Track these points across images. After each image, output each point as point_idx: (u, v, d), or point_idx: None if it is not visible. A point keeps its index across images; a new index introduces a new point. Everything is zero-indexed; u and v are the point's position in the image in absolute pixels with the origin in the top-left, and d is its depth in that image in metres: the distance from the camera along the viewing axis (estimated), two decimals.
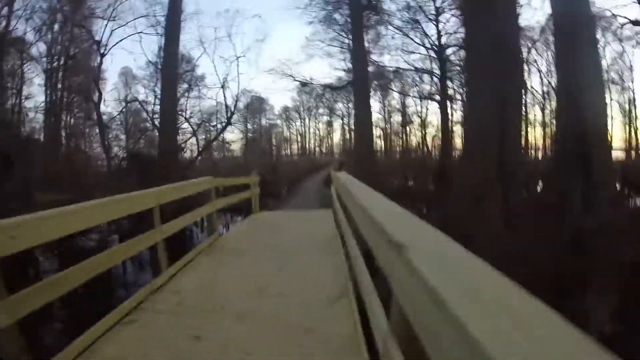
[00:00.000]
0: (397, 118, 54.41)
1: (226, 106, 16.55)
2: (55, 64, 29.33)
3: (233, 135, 56.48)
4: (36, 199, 14.82)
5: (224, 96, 17.15)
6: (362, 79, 15.59)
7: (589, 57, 8.75)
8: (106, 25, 27.28)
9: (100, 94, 32.90)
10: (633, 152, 34.54)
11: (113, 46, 24.59)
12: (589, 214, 7.48)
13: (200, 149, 18.60)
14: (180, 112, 19.22)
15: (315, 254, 5.51)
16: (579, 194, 7.97)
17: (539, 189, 15.05)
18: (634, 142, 35.61)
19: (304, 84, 21.27)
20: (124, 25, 23.63)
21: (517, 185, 8.14)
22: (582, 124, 8.38)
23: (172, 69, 16.22)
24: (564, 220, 7.48)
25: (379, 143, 57.53)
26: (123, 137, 34.85)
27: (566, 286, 5.90)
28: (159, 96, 17.24)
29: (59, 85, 30.48)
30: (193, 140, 43.14)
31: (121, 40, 25.44)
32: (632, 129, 35.74)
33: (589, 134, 8.36)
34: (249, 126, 58.30)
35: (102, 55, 30.72)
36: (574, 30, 8.64)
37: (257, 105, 58.06)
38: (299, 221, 8.30)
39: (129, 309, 3.59)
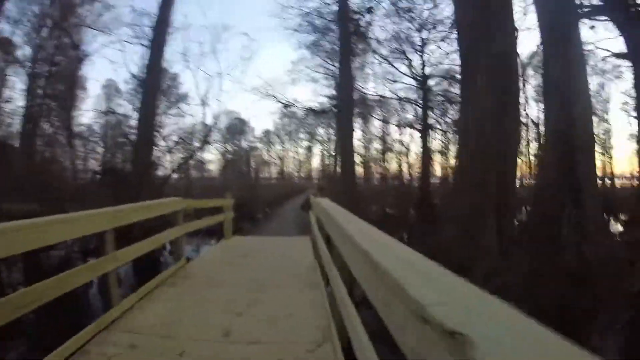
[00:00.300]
0: (376, 145, 54.85)
1: (205, 125, 15.86)
2: (37, 69, 28.70)
3: (212, 156, 55.71)
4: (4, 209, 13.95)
5: (204, 114, 16.28)
6: (347, 106, 15.28)
7: (581, 86, 8.56)
8: (93, 35, 26.52)
9: (73, 102, 32.11)
10: (608, 180, 35.27)
11: (93, 54, 23.51)
12: (586, 243, 7.08)
13: (174, 168, 17.63)
14: (158, 129, 18.44)
15: (293, 288, 4.90)
16: (571, 222, 7.61)
17: (522, 217, 14.85)
18: (608, 170, 36.47)
19: (286, 106, 20.71)
20: (108, 34, 22.76)
21: (511, 215, 7.71)
22: (572, 154, 8.11)
23: (154, 82, 15.59)
24: (560, 251, 7.05)
25: (359, 170, 57.68)
26: (101, 150, 33.88)
27: (572, 321, 5.42)
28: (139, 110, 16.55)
29: (39, 92, 29.79)
30: (171, 158, 42.34)
31: (103, 47, 24.49)
32: (607, 158, 36.66)
33: (578, 164, 8.07)
34: (229, 147, 57.75)
35: (80, 60, 29.94)
36: (563, 62, 8.46)
37: (238, 127, 57.59)
38: (274, 248, 7.65)
39: (69, 354, 2.93)
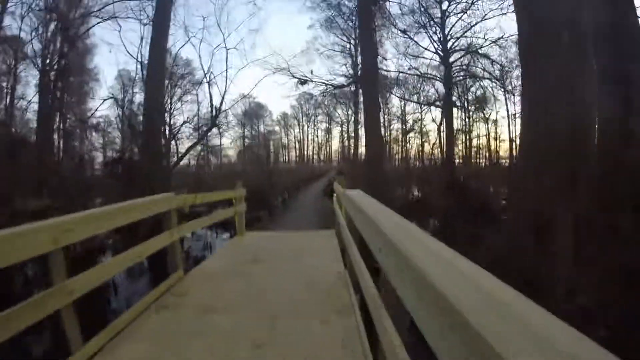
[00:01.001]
0: (395, 126, 53.10)
1: (211, 105, 14.42)
2: (48, 63, 28.35)
3: (229, 141, 54.89)
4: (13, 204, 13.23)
5: (209, 93, 14.75)
6: (371, 77, 13.52)
7: None
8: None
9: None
10: None
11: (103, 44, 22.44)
12: None
13: (181, 154, 16.37)
14: (166, 114, 17.19)
15: (315, 315, 3.64)
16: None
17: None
18: None
19: (302, 82, 18.86)
20: (108, 19, 21.54)
21: (587, 209, 6.17)
22: None
23: (159, 63, 14.35)
24: None
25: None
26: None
27: None
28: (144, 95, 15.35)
29: (51, 86, 29.53)
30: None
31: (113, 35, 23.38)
32: None
33: None
34: (246, 132, 56.80)
35: (88, 52, 29.30)
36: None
37: (255, 111, 56.51)
38: (292, 250, 6.29)
39: None
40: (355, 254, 3.66)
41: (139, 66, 18.86)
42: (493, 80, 33.42)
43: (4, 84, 27.96)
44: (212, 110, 14.18)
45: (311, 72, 21.42)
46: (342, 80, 27.76)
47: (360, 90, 40.71)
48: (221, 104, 14.01)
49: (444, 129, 29.55)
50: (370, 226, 2.42)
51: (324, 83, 20.38)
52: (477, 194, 13.92)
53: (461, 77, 30.11)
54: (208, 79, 14.51)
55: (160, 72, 14.19)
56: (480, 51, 28.96)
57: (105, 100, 29.21)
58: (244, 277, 4.86)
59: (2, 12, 23.59)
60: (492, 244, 7.06)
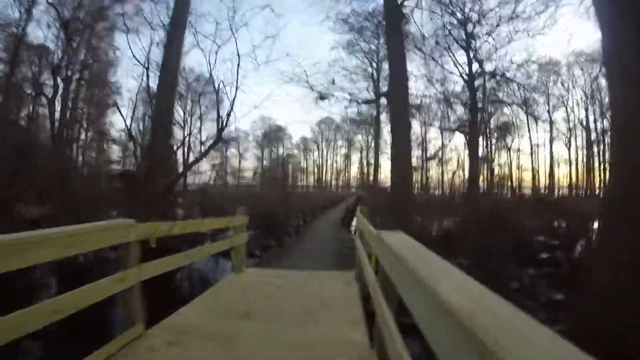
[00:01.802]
0: (416, 152, 51.59)
1: (218, 116, 12.92)
2: (70, 73, 28.22)
3: (249, 163, 54.12)
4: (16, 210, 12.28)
5: (217, 103, 13.26)
6: (400, 92, 11.80)
7: None
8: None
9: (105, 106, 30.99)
10: None
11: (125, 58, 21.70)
12: None
13: (182, 170, 14.83)
14: (174, 126, 15.90)
15: None
16: None
17: None
18: None
19: (323, 97, 17.31)
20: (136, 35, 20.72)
21: None
22: None
23: (170, 74, 13.16)
24: None
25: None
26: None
27: None
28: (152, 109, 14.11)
29: (72, 95, 29.41)
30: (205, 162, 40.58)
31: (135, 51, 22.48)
32: None
33: None
34: (265, 154, 55.96)
35: (111, 64, 28.81)
36: None
37: (274, 134, 55.75)
38: (300, 302, 4.62)
39: None
40: (393, 333, 2.17)
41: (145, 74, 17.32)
42: (519, 105, 31.93)
43: (28, 91, 27.81)
44: (218, 123, 12.70)
45: (332, 82, 19.96)
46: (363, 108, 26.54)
47: (383, 114, 39.64)
48: (229, 115, 12.55)
49: (467, 157, 27.96)
50: (431, 307, 1.24)
51: (346, 98, 18.78)
52: (513, 229, 12.14)
53: (488, 102, 28.53)
54: (216, 88, 13.15)
55: (170, 84, 13.04)
56: (506, 75, 27.72)
57: (111, 106, 28.28)
58: (225, 344, 3.34)
59: (27, 19, 23.32)
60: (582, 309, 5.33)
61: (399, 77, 11.43)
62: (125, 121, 21.90)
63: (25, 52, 25.19)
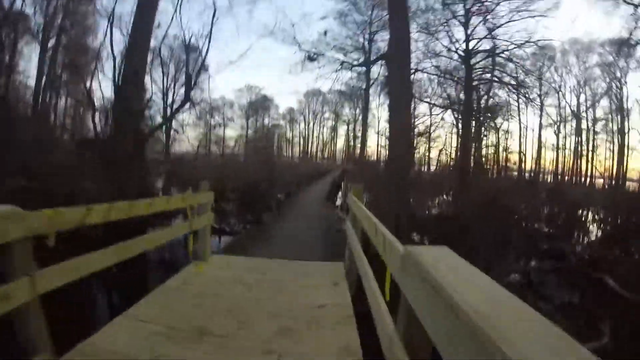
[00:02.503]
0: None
1: (187, 75, 11.14)
2: (47, 39, 26.26)
3: (234, 132, 52.38)
4: None
5: (186, 59, 11.49)
6: (402, 54, 10.02)
7: None
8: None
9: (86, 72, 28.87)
10: None
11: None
12: None
13: (148, 132, 12.88)
14: (146, 89, 14.10)
15: None
16: None
17: None
18: None
19: (312, 58, 15.12)
20: None
21: None
22: None
23: (142, 25, 11.45)
24: None
25: (383, 153, 53.59)
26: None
27: None
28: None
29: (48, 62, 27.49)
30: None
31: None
32: None
33: None
34: (251, 124, 54.18)
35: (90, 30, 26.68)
36: None
37: (261, 103, 53.90)
38: (274, 311, 3.41)
39: None
40: None
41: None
42: (514, 87, 30.79)
43: (5, 58, 25.81)
44: (186, 82, 11.02)
45: (324, 34, 17.71)
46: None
47: (372, 87, 38.06)
48: (198, 73, 10.87)
49: (456, 135, 26.87)
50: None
51: (338, 60, 16.51)
52: (510, 216, 11.12)
53: (483, 81, 27.18)
54: (186, 42, 11.40)
55: (140, 41, 11.36)
56: (504, 55, 26.45)
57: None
58: None
59: None
60: None
61: (401, 37, 9.92)
62: (87, 84, 19.75)
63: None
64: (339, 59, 14.90)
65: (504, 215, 11.16)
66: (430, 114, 40.97)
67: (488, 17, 24.60)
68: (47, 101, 28.58)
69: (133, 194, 9.72)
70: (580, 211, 15.02)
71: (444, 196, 19.58)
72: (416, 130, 44.15)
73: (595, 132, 39.35)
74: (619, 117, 37.31)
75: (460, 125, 29.26)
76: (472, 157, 27.65)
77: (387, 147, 10.66)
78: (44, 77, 26.94)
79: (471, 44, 25.48)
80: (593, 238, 12.21)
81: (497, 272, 7.56)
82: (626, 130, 36.52)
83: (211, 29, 11.17)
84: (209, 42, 10.37)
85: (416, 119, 46.04)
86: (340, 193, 21.21)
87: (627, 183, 30.29)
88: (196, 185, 5.19)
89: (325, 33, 20.43)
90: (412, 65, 30.59)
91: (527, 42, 26.09)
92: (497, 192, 13.13)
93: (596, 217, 14.34)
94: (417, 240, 9.53)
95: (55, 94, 31.69)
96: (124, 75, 11.12)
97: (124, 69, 11.22)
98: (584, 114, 40.30)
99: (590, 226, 13.38)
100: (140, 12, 11.63)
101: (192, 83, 10.32)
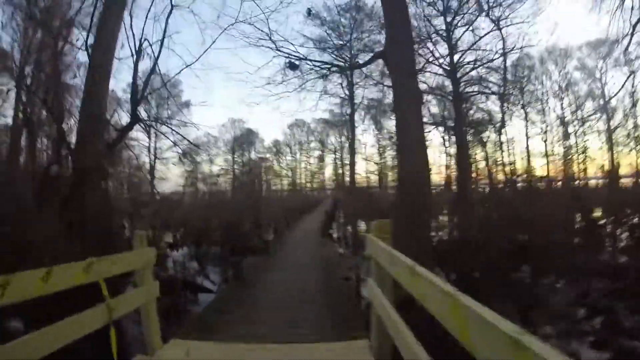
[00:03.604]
0: (390, 152, 49.14)
1: (134, 85, 9.03)
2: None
3: (218, 168, 50.56)
4: None
5: (135, 72, 9.24)
6: (405, 47, 7.97)
7: None
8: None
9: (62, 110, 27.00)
10: None
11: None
12: None
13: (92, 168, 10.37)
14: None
15: None
16: None
17: None
18: None
19: (293, 65, 12.69)
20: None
21: None
22: None
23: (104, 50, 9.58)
24: None
25: (373, 178, 52.13)
26: None
27: None
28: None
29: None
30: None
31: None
32: None
33: None
34: (237, 159, 52.48)
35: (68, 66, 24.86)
36: None
37: (246, 137, 52.37)
38: None
39: None
40: None
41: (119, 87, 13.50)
42: (501, 96, 29.85)
43: None
44: (132, 97, 8.91)
45: (308, 13, 14.68)
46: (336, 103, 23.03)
47: (357, 113, 36.77)
48: (146, 84, 8.84)
49: (446, 153, 25.40)
50: None
51: (324, 63, 13.48)
52: (536, 231, 9.33)
53: (472, 94, 26.00)
54: (136, 48, 9.33)
55: (108, 49, 9.44)
56: (489, 65, 25.56)
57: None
58: None
59: None
60: None
61: (401, 30, 8.12)
62: (62, 122, 17.53)
63: None
64: (323, 65, 12.44)
65: (526, 230, 9.43)
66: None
67: (471, 28, 23.76)
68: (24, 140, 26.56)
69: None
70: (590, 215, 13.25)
71: (446, 216, 17.75)
72: None
73: (584, 133, 38.80)
74: (605, 115, 37.00)
75: (449, 141, 27.98)
76: (469, 172, 26.25)
77: (395, 164, 8.51)
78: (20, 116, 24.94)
79: (455, 58, 24.59)
80: (624, 243, 10.42)
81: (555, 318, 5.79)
82: (612, 128, 36.17)
83: (165, 29, 9.23)
84: (162, 43, 8.31)
85: None
86: (334, 225, 19.32)
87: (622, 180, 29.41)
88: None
89: (310, 12, 18.32)
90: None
91: (512, 50, 25.20)
92: (509, 206, 11.43)
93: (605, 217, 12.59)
94: (443, 275, 7.54)
95: (30, 133, 29.68)
96: (81, 114, 9.24)
97: (82, 107, 9.40)
98: (569, 118, 39.82)
99: (609, 229, 11.55)
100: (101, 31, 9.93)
101: (139, 96, 8.39)
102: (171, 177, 43.67)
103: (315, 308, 5.66)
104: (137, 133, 36.90)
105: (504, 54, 24.37)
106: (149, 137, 37.98)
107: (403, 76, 7.79)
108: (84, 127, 9.28)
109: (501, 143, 36.41)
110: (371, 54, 12.10)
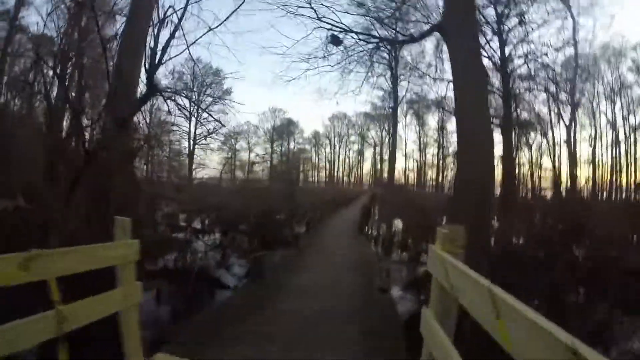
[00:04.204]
0: (432, 150, 47.56)
1: (152, 52, 8.15)
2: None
3: (258, 157, 50.55)
4: None
5: (156, 38, 8.34)
6: (467, 18, 6.93)
7: None
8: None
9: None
10: None
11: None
12: None
13: (91, 143, 9.48)
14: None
15: None
16: None
17: None
18: None
19: (337, 40, 11.25)
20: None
21: None
22: None
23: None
24: None
25: (411, 176, 50.61)
26: None
27: None
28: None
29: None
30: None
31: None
32: None
33: None
34: (276, 148, 52.21)
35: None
36: None
37: (285, 127, 51.95)
38: None
39: None
40: None
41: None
42: (552, 95, 27.81)
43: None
44: (150, 63, 8.08)
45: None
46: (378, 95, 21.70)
47: (400, 107, 35.30)
48: (165, 48, 7.93)
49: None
50: None
51: (371, 36, 11.49)
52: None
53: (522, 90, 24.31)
54: (161, 16, 8.41)
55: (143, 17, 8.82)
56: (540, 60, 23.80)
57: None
58: None
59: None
60: None
61: (462, 8, 6.80)
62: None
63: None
64: (370, 39, 10.72)
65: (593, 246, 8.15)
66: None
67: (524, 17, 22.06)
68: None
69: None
70: None
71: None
72: (450, 149, 41.36)
73: (635, 141, 35.40)
74: None
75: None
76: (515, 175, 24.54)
77: (454, 159, 6.97)
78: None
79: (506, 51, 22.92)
80: None
81: None
82: None
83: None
84: (185, 8, 7.25)
85: (448, 136, 43.22)
86: (370, 222, 18.21)
87: None
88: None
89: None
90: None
91: (566, 44, 23.19)
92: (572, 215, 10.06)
93: None
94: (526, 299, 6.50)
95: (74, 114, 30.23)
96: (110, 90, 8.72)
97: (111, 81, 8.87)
98: (620, 124, 36.63)
99: None
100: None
101: (157, 61, 7.59)
102: (210, 164, 44.00)
103: (347, 335, 4.35)
104: (178, 118, 37.52)
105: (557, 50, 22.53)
106: (189, 122, 38.14)
107: (465, 53, 6.56)
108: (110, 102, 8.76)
109: (554, 145, 33.89)
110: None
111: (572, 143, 33.72)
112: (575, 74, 25.91)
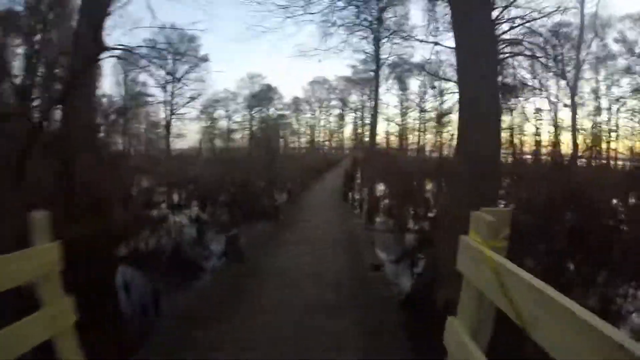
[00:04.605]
0: (413, 114, 46.91)
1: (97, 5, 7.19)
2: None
3: (236, 125, 49.30)
4: None
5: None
6: None
7: None
8: None
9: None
10: None
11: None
12: None
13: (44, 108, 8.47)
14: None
15: None
16: None
17: None
18: None
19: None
20: None
21: None
22: None
23: None
24: None
25: (393, 140, 50.26)
26: None
27: None
28: None
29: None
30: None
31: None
32: None
33: None
34: (255, 115, 50.83)
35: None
36: None
37: (264, 94, 50.42)
38: None
39: None
40: None
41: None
42: (541, 59, 27.29)
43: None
44: (91, 17, 6.93)
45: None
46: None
47: (384, 73, 34.34)
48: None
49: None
50: None
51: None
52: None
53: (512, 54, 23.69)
54: None
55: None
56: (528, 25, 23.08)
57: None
58: None
59: None
60: None
61: None
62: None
63: None
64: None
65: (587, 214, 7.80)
66: (442, 94, 37.56)
67: None
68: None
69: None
70: None
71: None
72: (432, 114, 40.86)
73: (618, 111, 35.36)
74: None
75: None
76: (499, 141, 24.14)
77: (456, 127, 6.00)
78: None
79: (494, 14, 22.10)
80: None
81: None
82: None
83: None
84: None
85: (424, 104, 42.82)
86: (353, 187, 17.73)
87: None
88: None
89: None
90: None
91: (557, 10, 22.50)
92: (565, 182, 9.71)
93: None
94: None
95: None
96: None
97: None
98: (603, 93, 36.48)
99: None
100: None
101: (103, 13, 6.62)
102: (188, 134, 42.56)
103: (340, 325, 3.79)
104: (154, 89, 35.93)
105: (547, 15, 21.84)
106: (164, 92, 36.63)
107: (474, 21, 5.64)
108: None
109: (539, 110, 33.57)
110: None
111: (573, 106, 33.37)
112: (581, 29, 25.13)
